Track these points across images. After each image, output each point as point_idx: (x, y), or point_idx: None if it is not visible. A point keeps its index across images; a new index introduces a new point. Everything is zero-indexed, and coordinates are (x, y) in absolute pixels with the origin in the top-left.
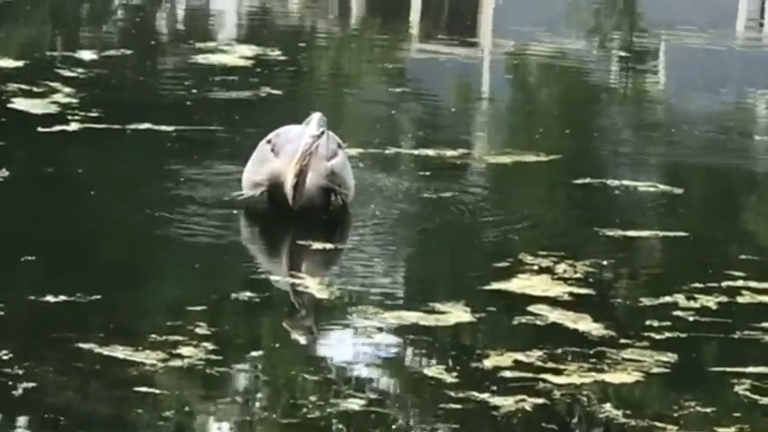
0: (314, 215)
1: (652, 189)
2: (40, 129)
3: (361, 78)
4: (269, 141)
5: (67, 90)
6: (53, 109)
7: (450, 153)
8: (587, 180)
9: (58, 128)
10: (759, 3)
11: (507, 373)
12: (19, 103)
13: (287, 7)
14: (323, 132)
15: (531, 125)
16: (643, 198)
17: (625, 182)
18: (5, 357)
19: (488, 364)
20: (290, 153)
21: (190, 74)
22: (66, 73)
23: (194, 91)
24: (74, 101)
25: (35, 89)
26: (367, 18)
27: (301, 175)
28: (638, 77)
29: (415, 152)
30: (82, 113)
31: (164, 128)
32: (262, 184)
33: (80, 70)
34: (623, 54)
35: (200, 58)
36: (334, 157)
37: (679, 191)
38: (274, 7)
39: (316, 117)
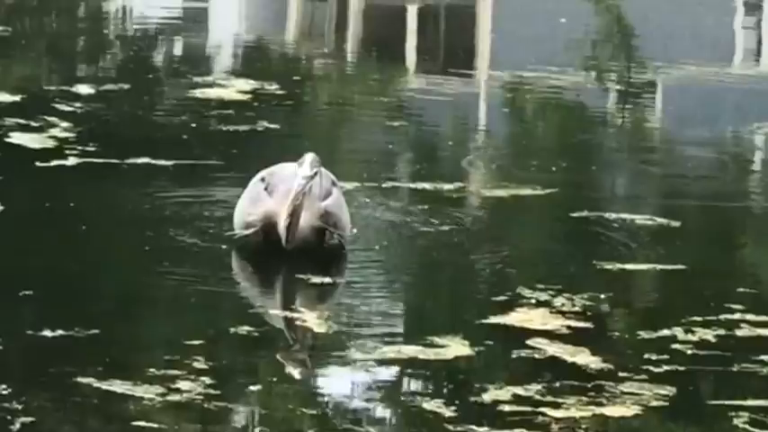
0: (308, 253)
1: (649, 222)
2: (37, 163)
3: (357, 112)
4: (262, 179)
5: (65, 125)
6: (51, 144)
7: (447, 186)
8: (584, 213)
9: (55, 162)
10: (756, 38)
11: (506, 407)
12: (16, 138)
13: (283, 42)
14: (316, 173)
15: (527, 158)
16: (640, 231)
17: (622, 215)
18: (3, 392)
19: (487, 397)
20: (284, 193)
21: (187, 108)
22: (64, 107)
23: (192, 125)
24: (71, 135)
25: (32, 123)
26: (362, 51)
27: (294, 215)
28: (635, 110)
29: (412, 185)
30: (80, 148)
31: (161, 162)
32: (255, 225)
33: (77, 105)
34: (620, 87)
35: (198, 93)
36: (328, 196)
37: (676, 224)
38: (271, 42)
39: (309, 158)
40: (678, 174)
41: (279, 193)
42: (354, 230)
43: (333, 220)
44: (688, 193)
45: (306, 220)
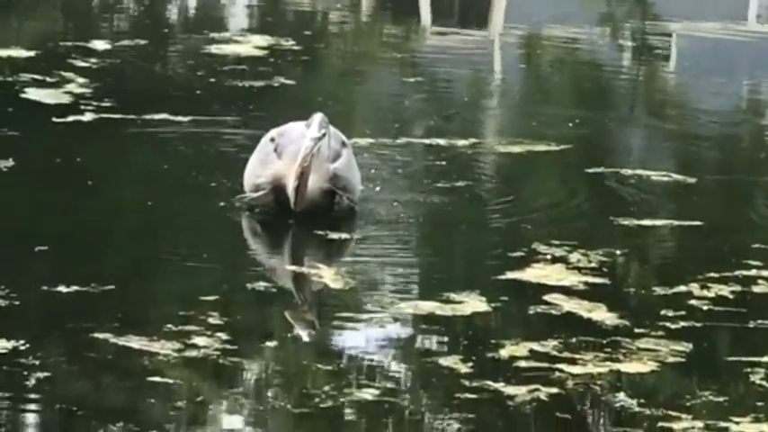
0: (318, 216)
1: (665, 178)
2: (54, 119)
3: (373, 68)
4: (272, 140)
5: (81, 80)
6: (66, 99)
7: (461, 143)
8: (600, 169)
9: (72, 118)
10: None
11: (522, 363)
12: (32, 94)
13: None
14: (324, 134)
15: (542, 114)
16: (656, 187)
17: (638, 171)
18: (19, 348)
19: (504, 353)
20: (292, 155)
21: (203, 64)
22: (80, 63)
23: (210, 81)
24: (87, 91)
25: (48, 79)
26: (378, 6)
27: (302, 177)
28: (651, 66)
29: (427, 141)
30: (95, 104)
31: (178, 118)
32: (264, 187)
33: (93, 60)
34: (635, 43)
35: (214, 48)
36: (338, 157)
37: (692, 180)
38: None
39: (317, 118)
40: (694, 130)
41: (288, 154)
42: (377, 188)
43: (342, 183)
44: (704, 149)
45: (315, 182)
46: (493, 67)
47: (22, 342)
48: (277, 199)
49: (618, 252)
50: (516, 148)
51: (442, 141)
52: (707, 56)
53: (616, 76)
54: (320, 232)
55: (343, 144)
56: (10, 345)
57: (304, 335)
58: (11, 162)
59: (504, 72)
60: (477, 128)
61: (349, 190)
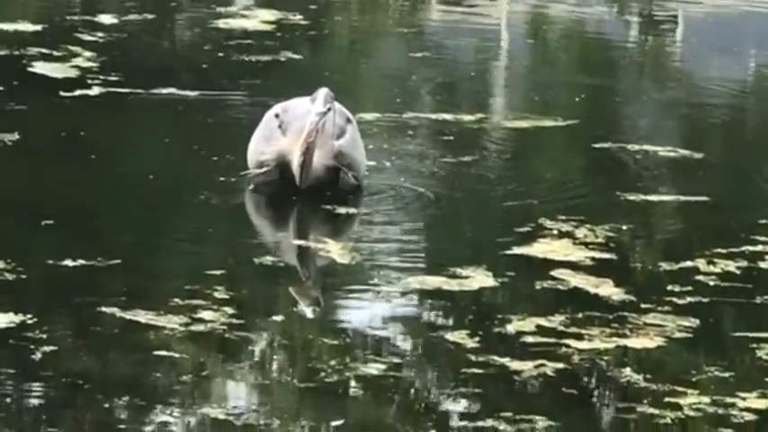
0: (323, 192)
1: (672, 153)
2: (61, 93)
3: (380, 43)
4: (276, 116)
5: (88, 54)
6: (73, 73)
7: (468, 118)
8: (607, 144)
9: (79, 92)
10: None
11: (529, 338)
12: (39, 67)
13: None
14: (329, 109)
15: (549, 90)
16: (663, 162)
17: (645, 146)
18: (26, 322)
19: (510, 328)
20: (297, 131)
21: (211, 38)
22: (87, 37)
23: (217, 55)
24: (94, 65)
25: (55, 53)
26: None
27: (308, 153)
28: (658, 41)
29: (433, 116)
30: (102, 77)
31: (185, 92)
32: (268, 164)
33: (100, 34)
34: (642, 18)
35: (221, 23)
36: (342, 134)
37: (699, 155)
38: None
39: (322, 93)
40: (701, 105)
41: (292, 131)
42: (387, 163)
43: (347, 161)
44: (711, 125)
45: (319, 158)
46: (500, 43)
47: (29, 316)
48: (281, 176)
49: (624, 227)
50: (523, 123)
51: (448, 116)
52: (714, 30)
53: (623, 50)
54: (327, 207)
55: (348, 120)
56: (17, 319)
57: (308, 311)
58: (16, 136)
59: (511, 47)
60: (483, 103)
61: (354, 168)
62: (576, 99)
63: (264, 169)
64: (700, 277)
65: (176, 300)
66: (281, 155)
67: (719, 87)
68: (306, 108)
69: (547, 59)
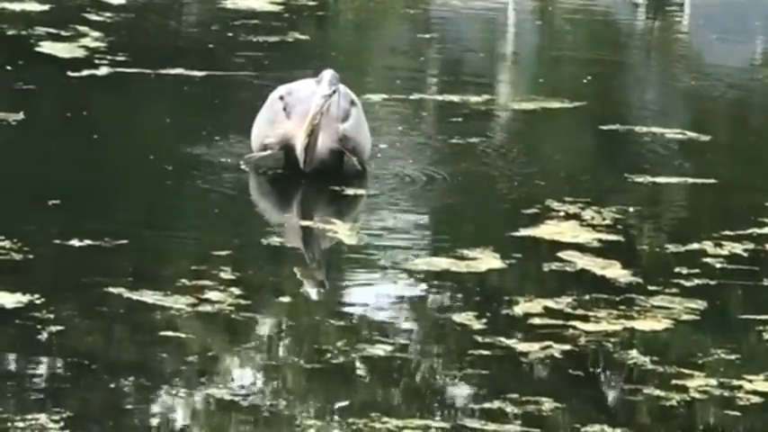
0: (328, 174)
1: (680, 136)
2: (69, 73)
3: (387, 23)
4: (281, 98)
5: (95, 34)
6: (81, 53)
7: (475, 99)
8: (614, 126)
9: (87, 72)
10: None
11: (536, 320)
12: (47, 47)
13: None
14: (334, 91)
15: (556, 71)
16: (671, 144)
17: (653, 128)
18: (34, 301)
19: (517, 310)
20: (302, 114)
21: (218, 18)
22: (94, 17)
23: (225, 35)
24: (102, 45)
25: (63, 33)
26: None
27: (312, 136)
28: (665, 24)
29: (440, 98)
30: (110, 58)
31: (193, 73)
32: (273, 147)
33: (108, 15)
34: (650, 1)
35: (229, 3)
36: (347, 117)
37: (706, 138)
38: None
39: (327, 75)
40: (708, 87)
41: (297, 114)
42: (398, 144)
43: (351, 144)
44: (718, 107)
45: (324, 142)
46: (507, 24)
47: (36, 296)
48: (286, 159)
49: (631, 209)
50: (530, 105)
51: (455, 98)
52: (721, 13)
53: (630, 33)
54: (335, 188)
55: (353, 103)
56: (25, 299)
57: (312, 293)
58: (22, 115)
59: (518, 28)
60: (491, 84)
61: (358, 151)
62: (584, 81)
63: (268, 152)
64: (707, 259)
65: (183, 280)
66: (285, 138)
67: (727, 70)
68: (310, 90)
69: (554, 41)
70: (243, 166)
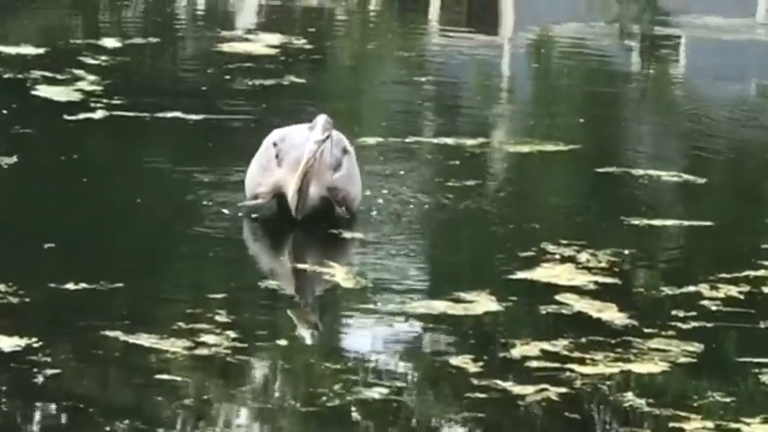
0: (319, 220)
1: (675, 178)
2: (65, 116)
3: (383, 67)
4: (274, 144)
5: (92, 78)
6: (77, 96)
7: (470, 142)
8: (610, 169)
9: (83, 116)
10: None
11: (533, 363)
12: (43, 91)
13: None
14: (328, 136)
15: (552, 114)
16: (667, 187)
17: (649, 171)
18: (28, 345)
19: (514, 353)
20: (294, 162)
21: (214, 62)
22: (90, 61)
23: (221, 79)
24: (98, 89)
25: (59, 76)
26: (389, 6)
27: (304, 182)
28: (660, 66)
29: (435, 141)
30: (106, 101)
31: (189, 116)
32: (264, 197)
33: (103, 58)
34: (645, 42)
35: (226, 47)
36: (339, 165)
37: (702, 180)
38: None
39: (321, 120)
40: (703, 129)
41: (288, 161)
42: (391, 187)
43: (340, 195)
44: (714, 150)
45: (315, 188)
46: (502, 67)
47: (33, 340)
48: (278, 206)
49: (628, 252)
50: (525, 148)
51: (450, 141)
52: (716, 56)
53: (625, 76)
54: (333, 231)
55: (345, 151)
56: (21, 342)
57: (306, 335)
58: (15, 159)
59: (513, 72)
60: (486, 127)
61: (348, 200)
62: (579, 123)
63: (260, 201)
64: (703, 302)
65: (179, 323)
66: (276, 186)
67: (722, 112)
68: (304, 136)
69: (549, 84)
70: (239, 212)
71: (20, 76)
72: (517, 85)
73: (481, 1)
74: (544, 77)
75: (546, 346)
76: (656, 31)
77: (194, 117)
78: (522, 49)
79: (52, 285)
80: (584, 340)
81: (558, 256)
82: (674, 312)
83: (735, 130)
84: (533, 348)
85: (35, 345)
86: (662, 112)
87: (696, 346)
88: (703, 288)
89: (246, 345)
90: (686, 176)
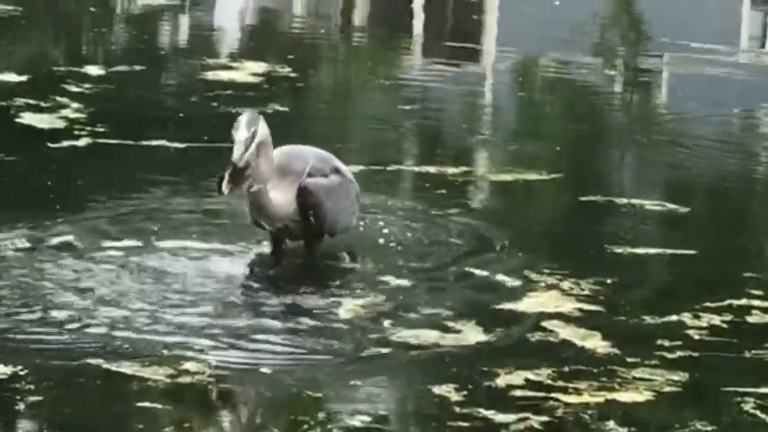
0: (295, 237)
1: (659, 207)
2: (49, 144)
3: (367, 95)
4: None
5: (76, 105)
6: (61, 124)
7: (452, 171)
8: (593, 198)
9: (66, 143)
10: (762, 21)
11: (517, 392)
12: (27, 118)
13: (292, 23)
14: (254, 132)
15: (533, 143)
16: (650, 216)
17: (632, 200)
18: (8, 372)
19: (499, 382)
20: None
21: (198, 90)
22: (74, 88)
23: (205, 106)
24: (82, 116)
25: (42, 104)
26: (373, 33)
27: (253, 190)
28: (643, 95)
29: (417, 169)
30: (90, 128)
31: (174, 144)
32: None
33: (87, 85)
34: (628, 71)
35: (210, 74)
36: (320, 177)
37: (686, 209)
38: (281, 23)
39: (244, 119)
40: (686, 158)
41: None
42: (373, 216)
43: (311, 201)
44: (697, 178)
45: (288, 195)
46: (484, 95)
47: (10, 367)
48: (256, 223)
49: (611, 281)
50: (507, 177)
51: (432, 169)
52: (699, 84)
53: (608, 104)
54: (326, 261)
55: (336, 170)
56: (8, 370)
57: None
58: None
59: (495, 100)
60: (468, 156)
61: (319, 211)
62: (561, 152)
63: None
64: (688, 331)
65: (165, 351)
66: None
67: (705, 142)
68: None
69: (531, 113)
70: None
71: (3, 103)
72: (500, 113)
73: (465, 29)
74: (527, 106)
75: (530, 375)
76: (639, 60)
77: (180, 145)
78: (505, 78)
79: (38, 311)
80: (567, 369)
81: (542, 285)
82: (658, 342)
83: (718, 159)
84: (517, 377)
85: (13, 373)
86: (645, 141)
87: (681, 375)
88: (687, 317)
89: (228, 373)
90: (669, 205)
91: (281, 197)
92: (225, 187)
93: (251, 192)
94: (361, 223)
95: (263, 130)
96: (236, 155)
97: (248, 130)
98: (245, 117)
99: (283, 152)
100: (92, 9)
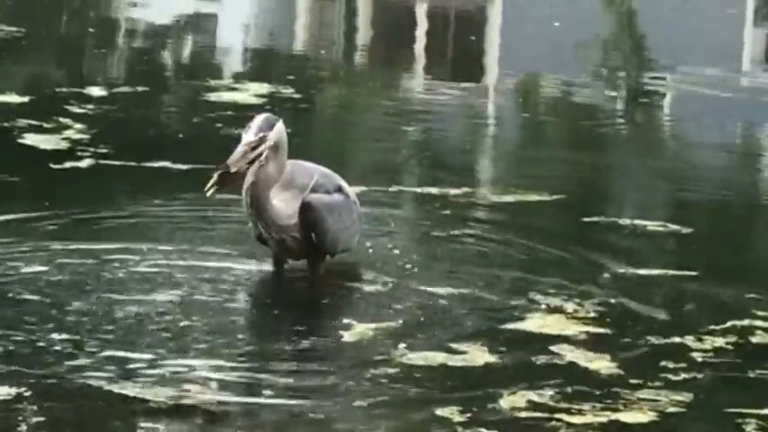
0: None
1: (661, 228)
2: (51, 165)
3: (369, 116)
4: None
5: (78, 126)
6: (64, 145)
7: (454, 192)
8: (596, 218)
9: (69, 164)
10: (765, 42)
11: (521, 414)
12: (29, 139)
13: (295, 45)
14: (263, 137)
15: (537, 164)
16: (653, 237)
17: (635, 221)
18: (12, 393)
19: (503, 404)
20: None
21: (201, 111)
22: (76, 109)
23: (208, 127)
24: (85, 137)
25: (45, 125)
26: (375, 56)
27: (256, 191)
28: (646, 115)
29: (419, 190)
30: (92, 150)
31: (176, 166)
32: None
33: (90, 107)
34: (630, 93)
35: (213, 96)
36: (323, 193)
37: (688, 230)
38: (283, 45)
39: (257, 120)
40: (689, 179)
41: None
42: (376, 238)
43: (312, 217)
44: (699, 199)
45: (289, 209)
46: (487, 116)
47: (14, 388)
48: (259, 239)
49: (614, 301)
50: (509, 198)
51: (434, 190)
52: (702, 104)
53: (611, 126)
54: (332, 282)
55: (339, 189)
56: (3, 390)
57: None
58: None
59: (498, 121)
60: (470, 177)
61: (320, 228)
62: (564, 173)
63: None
64: (692, 352)
65: (165, 372)
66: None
67: (707, 162)
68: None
69: (534, 134)
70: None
71: (6, 124)
72: (502, 134)
73: (467, 50)
74: (529, 127)
75: (534, 396)
76: (641, 81)
77: (182, 167)
78: (507, 99)
79: (38, 334)
80: (571, 390)
81: (544, 306)
82: (663, 363)
83: (720, 180)
84: (521, 399)
85: (17, 394)
86: (648, 162)
87: (686, 396)
88: (691, 338)
89: (231, 394)
90: (672, 226)
91: (282, 206)
92: (210, 189)
93: (252, 187)
94: (368, 244)
95: (278, 133)
96: (232, 157)
97: (257, 133)
98: (259, 119)
99: (288, 165)
100: (93, 30)
